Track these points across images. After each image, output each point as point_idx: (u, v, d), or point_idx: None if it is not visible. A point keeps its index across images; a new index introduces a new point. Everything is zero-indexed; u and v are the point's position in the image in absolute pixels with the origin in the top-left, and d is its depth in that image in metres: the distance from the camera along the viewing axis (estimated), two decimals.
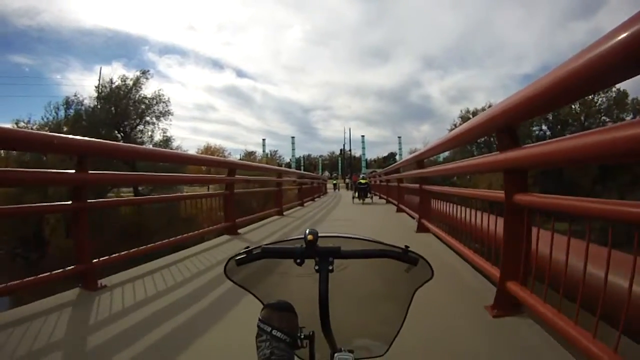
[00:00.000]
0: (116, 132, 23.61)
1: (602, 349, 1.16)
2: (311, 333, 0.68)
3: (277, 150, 50.21)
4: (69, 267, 2.49)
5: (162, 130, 25.41)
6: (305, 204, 10.89)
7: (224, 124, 77.72)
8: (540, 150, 1.60)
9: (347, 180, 34.72)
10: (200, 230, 4.12)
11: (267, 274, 0.80)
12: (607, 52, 1.05)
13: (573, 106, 27.66)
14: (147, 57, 59.37)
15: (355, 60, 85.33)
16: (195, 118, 78.99)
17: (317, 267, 0.65)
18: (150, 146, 22.76)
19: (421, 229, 4.65)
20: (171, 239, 3.47)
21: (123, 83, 24.64)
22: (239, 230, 5.10)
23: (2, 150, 15.14)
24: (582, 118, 29.33)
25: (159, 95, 25.28)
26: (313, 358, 0.70)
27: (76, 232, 2.65)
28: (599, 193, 21.89)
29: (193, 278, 2.88)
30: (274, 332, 0.63)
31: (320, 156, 56.69)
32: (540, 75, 1.49)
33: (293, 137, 49.38)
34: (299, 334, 0.66)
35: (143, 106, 24.78)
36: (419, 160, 4.92)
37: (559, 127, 29.18)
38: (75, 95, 23.36)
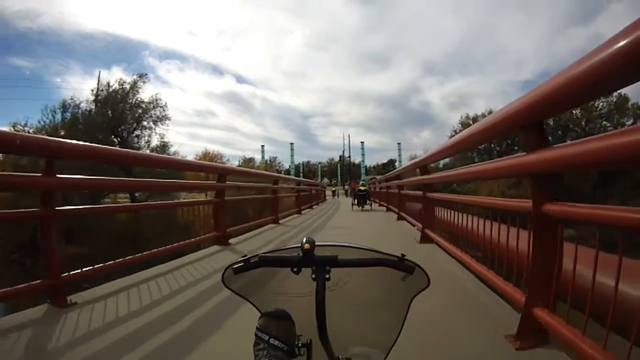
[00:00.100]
0: (113, 136, 23.38)
1: None
2: (308, 341, 0.68)
3: (276, 157, 50.21)
4: (35, 282, 2.27)
5: (159, 135, 25.19)
6: (302, 212, 10.70)
7: (223, 130, 78.10)
8: (578, 150, 1.32)
9: (346, 187, 34.47)
10: (187, 241, 3.78)
11: (265, 283, 0.79)
12: None
13: (574, 111, 27.49)
14: (147, 61, 59.59)
15: (355, 66, 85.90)
16: (195, 124, 79.43)
17: (313, 276, 0.66)
18: (148, 151, 22.51)
19: (425, 239, 4.35)
20: (151, 251, 3.14)
21: (120, 87, 24.51)
22: (231, 240, 4.79)
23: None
24: (583, 123, 29.22)
25: (156, 100, 25.10)
26: None
27: (43, 242, 2.41)
28: (599, 199, 21.56)
29: (172, 295, 2.59)
30: (272, 340, 0.63)
31: (320, 163, 56.79)
32: (540, 81, 1.37)
33: (292, 144, 49.54)
34: (296, 342, 0.67)
35: (140, 110, 24.56)
36: (423, 166, 4.63)
37: (559, 132, 28.93)
38: (71, 99, 23.20)
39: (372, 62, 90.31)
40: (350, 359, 0.72)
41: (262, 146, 48.21)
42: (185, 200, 6.83)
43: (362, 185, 13.34)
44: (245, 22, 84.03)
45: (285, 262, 0.68)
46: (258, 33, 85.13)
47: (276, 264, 0.71)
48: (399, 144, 49.55)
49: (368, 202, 12.52)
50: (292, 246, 0.70)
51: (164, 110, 25.17)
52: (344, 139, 66.46)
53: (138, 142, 24.38)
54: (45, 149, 2.39)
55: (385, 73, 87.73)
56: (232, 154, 58.50)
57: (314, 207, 13.62)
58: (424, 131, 76.20)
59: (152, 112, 24.81)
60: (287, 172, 43.04)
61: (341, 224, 7.93)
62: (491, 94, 64.96)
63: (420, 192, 4.72)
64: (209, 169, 5.54)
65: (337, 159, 55.31)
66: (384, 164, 55.22)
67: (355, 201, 12.58)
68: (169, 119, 25.35)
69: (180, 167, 5.91)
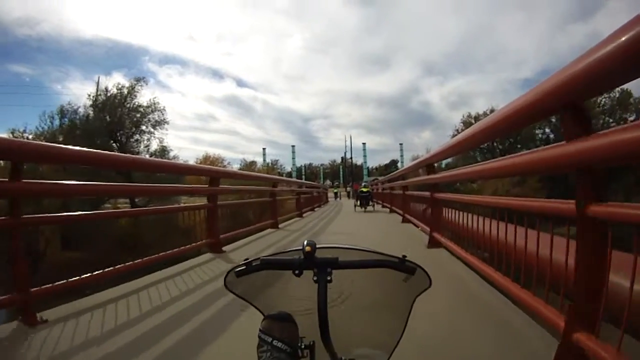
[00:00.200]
0: (112, 141, 23.22)
1: None
2: (311, 343, 0.69)
3: (277, 160, 49.59)
4: (2, 297, 2.07)
5: (158, 139, 24.98)
6: (304, 215, 10.42)
7: (224, 134, 77.98)
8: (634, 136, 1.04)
9: (348, 189, 34.18)
10: (173, 250, 3.48)
11: (267, 286, 0.79)
12: None
13: None
14: (147, 67, 59.08)
15: (354, 68, 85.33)
16: (196, 128, 79.46)
17: (315, 278, 0.66)
18: (147, 156, 22.27)
19: (433, 243, 4.05)
20: (127, 264, 2.84)
21: (118, 91, 24.34)
22: (225, 247, 4.50)
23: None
24: None
25: (155, 104, 24.86)
26: None
27: (11, 253, 2.20)
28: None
29: (154, 312, 2.33)
30: (275, 342, 0.64)
31: (322, 165, 56.48)
32: (540, 79, 1.23)
33: (293, 146, 49.23)
34: (299, 344, 0.68)
35: (138, 115, 24.36)
36: (429, 165, 4.33)
37: (563, 129, 28.45)
38: (69, 104, 23.07)
39: (372, 64, 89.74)
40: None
41: (264, 149, 47.99)
42: (173, 206, 6.51)
43: (365, 186, 13.39)
44: (245, 27, 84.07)
45: (287, 265, 0.68)
46: (258, 37, 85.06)
47: (278, 267, 0.71)
48: (401, 144, 49.05)
49: (371, 203, 12.55)
50: (293, 249, 0.70)
51: (162, 114, 25.01)
52: (345, 141, 66.06)
53: (137, 147, 24.25)
54: (8, 151, 2.16)
55: (385, 74, 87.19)
56: (234, 158, 57.97)
57: (316, 209, 13.43)
58: (424, 131, 75.62)
59: (151, 116, 24.64)
60: (289, 174, 42.77)
61: (344, 227, 7.67)
62: (491, 93, 64.62)
63: (428, 193, 4.41)
64: (201, 172, 5.25)
65: (339, 160, 54.75)
66: (386, 164, 54.83)
67: (358, 202, 12.60)
68: (167, 122, 25.20)
69: (166, 169, 5.67)
